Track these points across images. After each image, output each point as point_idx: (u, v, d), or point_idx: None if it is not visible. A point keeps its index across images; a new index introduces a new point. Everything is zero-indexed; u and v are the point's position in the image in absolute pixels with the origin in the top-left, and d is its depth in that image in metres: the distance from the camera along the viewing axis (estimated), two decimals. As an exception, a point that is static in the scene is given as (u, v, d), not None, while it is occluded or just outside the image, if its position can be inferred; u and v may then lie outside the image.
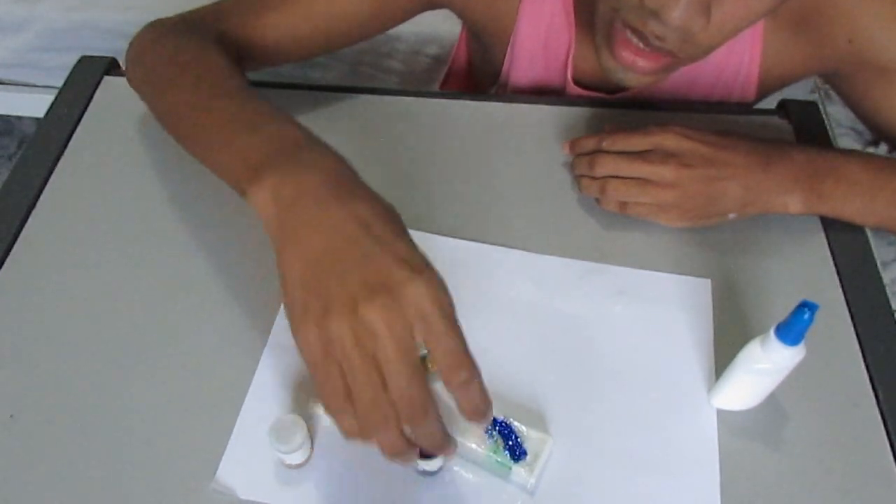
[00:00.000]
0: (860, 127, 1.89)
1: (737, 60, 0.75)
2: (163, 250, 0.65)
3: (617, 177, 0.65)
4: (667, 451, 0.55)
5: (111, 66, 0.80)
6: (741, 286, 0.64)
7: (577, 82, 0.79)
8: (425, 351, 0.45)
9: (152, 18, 0.69)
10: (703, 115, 0.77)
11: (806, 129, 0.76)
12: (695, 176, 0.63)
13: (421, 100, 0.79)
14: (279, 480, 0.53)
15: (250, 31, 0.68)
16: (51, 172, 0.71)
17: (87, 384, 0.57)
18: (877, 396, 0.57)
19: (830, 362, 0.59)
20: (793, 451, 0.55)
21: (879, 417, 0.57)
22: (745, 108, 0.80)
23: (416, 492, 0.53)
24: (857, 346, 0.60)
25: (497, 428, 0.53)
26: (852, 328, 0.61)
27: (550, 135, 0.75)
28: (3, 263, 0.64)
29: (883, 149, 0.76)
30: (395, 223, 0.45)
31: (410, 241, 0.44)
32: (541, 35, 0.77)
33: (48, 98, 0.76)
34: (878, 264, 0.66)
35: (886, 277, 1.72)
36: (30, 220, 0.67)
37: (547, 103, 0.78)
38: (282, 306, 0.59)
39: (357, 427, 0.44)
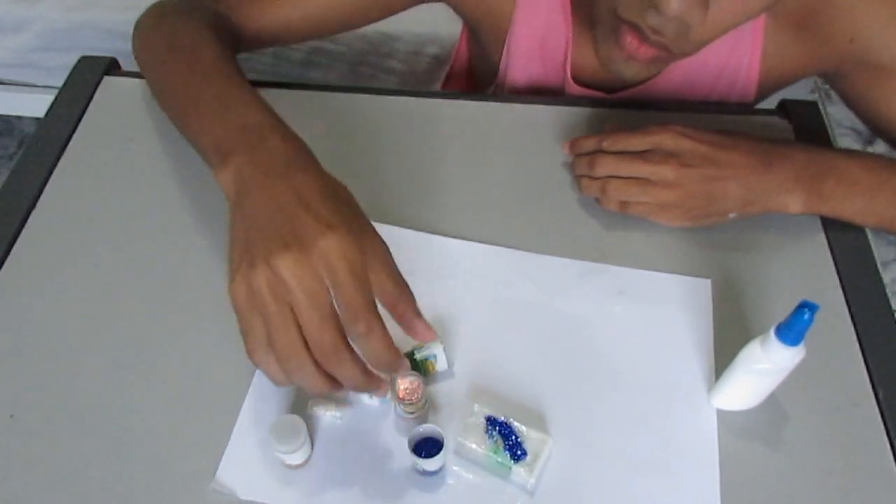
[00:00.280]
0: (860, 127, 1.89)
1: (737, 60, 0.76)
2: (162, 250, 0.65)
3: (617, 177, 0.65)
4: (667, 452, 0.55)
5: (111, 66, 0.80)
6: (741, 286, 0.64)
7: (575, 80, 0.79)
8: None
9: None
10: (703, 115, 0.77)
11: (806, 129, 0.76)
12: (695, 175, 0.63)
13: (421, 100, 0.79)
14: (279, 481, 0.53)
15: (244, 16, 0.71)
16: (51, 172, 0.71)
17: (87, 384, 0.57)
18: (877, 396, 0.58)
19: (830, 362, 0.59)
20: (793, 451, 0.55)
21: (879, 417, 0.57)
22: (745, 108, 0.80)
23: (416, 492, 0.53)
24: (857, 346, 0.60)
25: (497, 428, 0.53)
26: (852, 328, 0.61)
27: (550, 135, 0.75)
28: (3, 263, 0.64)
29: (881, 147, 0.76)
30: (330, 195, 0.48)
31: (338, 206, 0.47)
32: (538, 32, 0.77)
33: (48, 98, 0.76)
34: (878, 264, 0.66)
35: (886, 277, 1.72)
36: (30, 220, 0.67)
37: (547, 103, 0.78)
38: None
39: (281, 373, 0.47)
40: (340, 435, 0.55)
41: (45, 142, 0.73)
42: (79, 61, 0.81)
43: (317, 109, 0.77)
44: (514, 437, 0.53)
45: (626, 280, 0.64)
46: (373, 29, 1.14)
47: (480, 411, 0.54)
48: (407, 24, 1.46)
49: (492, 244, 0.66)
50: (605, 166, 0.65)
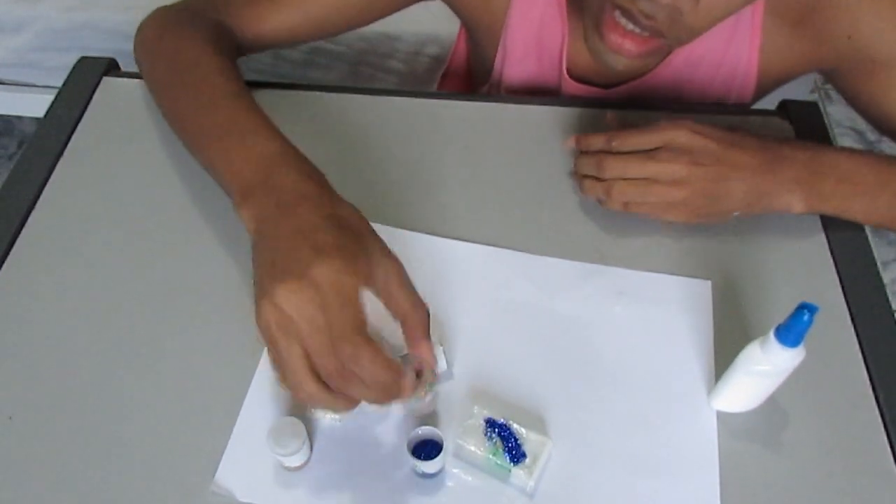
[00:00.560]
0: (860, 127, 1.89)
1: (735, 56, 0.75)
2: (162, 250, 0.65)
3: (623, 178, 0.64)
4: (667, 454, 0.55)
5: (111, 67, 0.80)
6: (741, 287, 0.64)
7: (571, 76, 0.79)
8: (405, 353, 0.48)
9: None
10: (702, 115, 0.76)
11: (806, 129, 0.76)
12: (705, 174, 0.62)
13: (420, 100, 0.79)
14: (278, 483, 0.53)
15: (245, 22, 0.71)
16: (51, 172, 0.71)
17: (86, 385, 0.57)
18: (877, 397, 0.57)
19: (830, 363, 0.59)
20: (793, 452, 0.55)
21: (879, 418, 0.56)
22: (744, 108, 0.79)
23: (415, 494, 0.53)
24: (857, 347, 0.60)
25: (496, 430, 0.53)
26: (852, 328, 0.61)
27: (550, 135, 0.75)
28: (3, 263, 0.64)
29: (886, 147, 0.76)
30: (332, 224, 0.48)
31: (337, 233, 0.48)
32: (533, 28, 0.77)
33: (48, 98, 0.76)
34: (878, 264, 0.66)
35: (886, 277, 1.72)
36: (30, 220, 0.67)
37: (545, 103, 0.78)
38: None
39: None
40: (339, 437, 0.55)
41: (45, 142, 0.73)
42: (78, 62, 0.81)
43: (317, 109, 0.76)
44: (513, 440, 0.53)
45: (626, 281, 0.64)
46: (373, 29, 1.14)
47: (480, 413, 0.54)
48: (407, 24, 1.46)
49: (491, 245, 0.66)
50: (614, 169, 0.63)
